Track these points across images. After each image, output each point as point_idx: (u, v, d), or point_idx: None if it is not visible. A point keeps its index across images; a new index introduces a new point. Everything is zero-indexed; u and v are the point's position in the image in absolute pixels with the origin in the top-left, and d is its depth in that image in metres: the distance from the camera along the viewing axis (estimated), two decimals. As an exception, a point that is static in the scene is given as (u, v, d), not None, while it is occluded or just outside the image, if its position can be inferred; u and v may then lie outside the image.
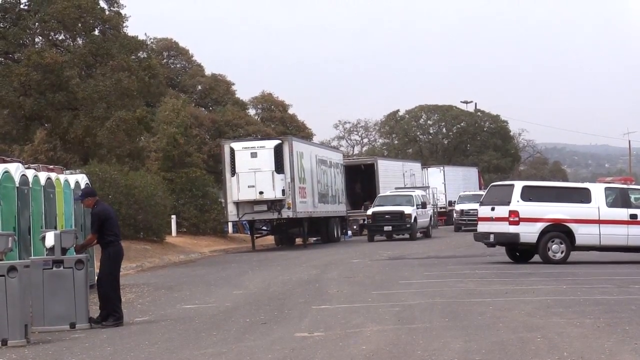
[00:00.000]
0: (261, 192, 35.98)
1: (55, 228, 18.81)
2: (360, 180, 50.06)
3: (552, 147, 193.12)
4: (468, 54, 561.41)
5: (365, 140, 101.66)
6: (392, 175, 52.45)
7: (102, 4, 37.34)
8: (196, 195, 43.01)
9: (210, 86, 60.80)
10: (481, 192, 50.51)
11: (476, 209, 43.11)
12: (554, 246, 23.97)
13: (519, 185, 24.91)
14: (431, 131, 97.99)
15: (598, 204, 24.16)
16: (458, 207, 50.87)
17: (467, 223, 47.40)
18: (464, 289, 17.59)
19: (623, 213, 24.20)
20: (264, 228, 40.84)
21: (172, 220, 40.42)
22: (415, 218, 41.42)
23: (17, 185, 17.77)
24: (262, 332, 12.89)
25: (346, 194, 46.67)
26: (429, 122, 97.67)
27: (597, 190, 24.62)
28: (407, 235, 42.00)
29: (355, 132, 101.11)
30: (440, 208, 57.53)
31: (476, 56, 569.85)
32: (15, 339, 12.64)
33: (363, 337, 11.81)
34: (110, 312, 14.62)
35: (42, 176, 19.63)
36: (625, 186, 27.49)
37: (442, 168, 63.49)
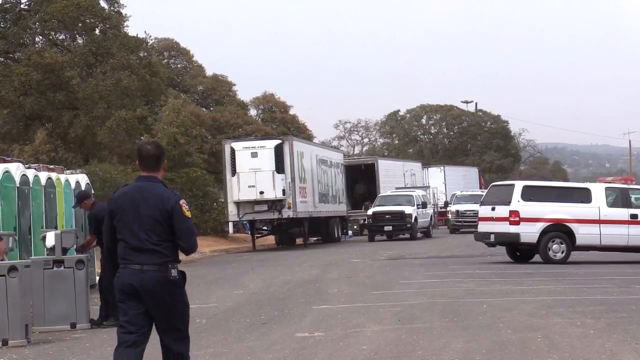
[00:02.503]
0: (262, 192, 35.95)
1: (56, 228, 18.82)
2: (361, 180, 50.01)
3: (553, 147, 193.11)
4: (469, 53, 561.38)
5: (366, 140, 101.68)
6: (392, 175, 52.32)
7: (103, 4, 37.35)
8: (196, 195, 42.98)
9: (211, 86, 60.81)
10: (479, 192, 49.96)
11: (473, 210, 42.88)
12: (554, 246, 23.97)
13: (519, 185, 24.89)
14: (432, 131, 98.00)
15: (598, 204, 24.16)
16: (454, 207, 47.92)
17: (463, 225, 45.66)
18: (464, 288, 17.59)
19: (623, 213, 24.21)
20: (265, 228, 40.82)
21: (173, 220, 40.34)
22: (416, 218, 41.38)
23: (18, 185, 17.79)
24: (263, 332, 12.89)
25: (346, 194, 46.63)
26: (429, 122, 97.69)
27: (598, 190, 24.62)
28: (407, 235, 41.97)
29: (356, 132, 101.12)
30: (441, 208, 57.11)
31: (477, 56, 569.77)
32: (15, 339, 12.64)
33: (363, 337, 11.81)
34: (111, 312, 14.62)
35: (43, 176, 19.65)
36: (625, 186, 27.49)
37: (442, 168, 63.28)
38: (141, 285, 7.25)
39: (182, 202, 7.30)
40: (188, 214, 7.29)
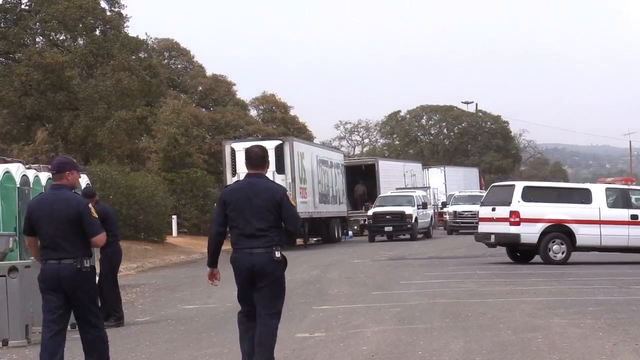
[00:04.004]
0: (262, 193, 35.94)
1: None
2: (361, 181, 49.98)
3: (553, 147, 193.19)
4: (469, 54, 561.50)
5: (366, 141, 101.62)
6: (392, 175, 52.28)
7: (103, 4, 37.34)
8: (197, 196, 43.02)
9: (211, 87, 60.79)
10: (477, 193, 49.77)
11: (471, 211, 42.71)
12: (554, 247, 23.97)
13: (519, 185, 24.91)
14: (432, 132, 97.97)
15: (599, 205, 24.16)
16: (451, 208, 47.21)
17: (461, 226, 45.28)
18: (464, 289, 17.59)
19: (624, 214, 24.21)
20: (265, 228, 40.72)
21: (173, 221, 40.43)
22: (416, 218, 41.36)
23: (18, 185, 17.79)
24: (263, 332, 12.86)
25: (347, 195, 46.60)
26: (430, 122, 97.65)
27: (598, 190, 24.62)
28: (407, 236, 41.96)
29: (356, 133, 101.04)
30: (441, 209, 56.89)
31: (477, 56, 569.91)
32: (16, 339, 12.64)
33: (364, 338, 11.81)
34: (111, 312, 14.61)
35: (43, 176, 19.64)
36: (626, 187, 27.48)
37: (442, 168, 63.19)
38: (253, 265, 8.43)
39: (288, 193, 8.76)
40: (293, 203, 8.73)
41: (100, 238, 8.75)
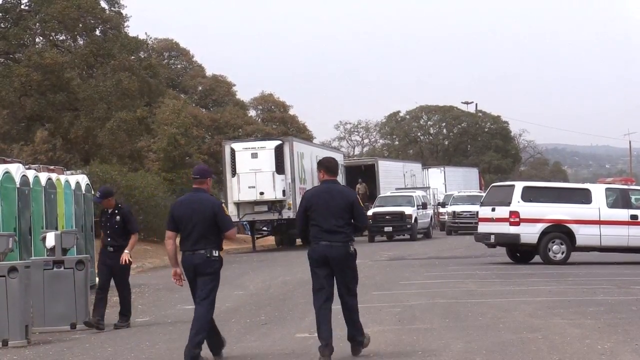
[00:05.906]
0: (262, 193, 35.95)
1: (56, 229, 18.81)
2: (361, 181, 49.94)
3: (553, 147, 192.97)
4: (469, 54, 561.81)
5: (366, 141, 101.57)
6: (392, 175, 52.22)
7: (103, 4, 37.33)
8: (197, 196, 42.90)
9: (210, 87, 60.79)
10: (475, 193, 49.61)
11: (470, 211, 42.60)
12: (554, 247, 23.96)
13: (519, 185, 24.89)
14: (432, 132, 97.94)
15: (598, 205, 24.16)
16: (450, 208, 46.53)
17: (460, 226, 44.87)
18: (464, 289, 17.59)
19: (623, 214, 24.20)
20: (265, 229, 40.78)
21: (173, 221, 40.29)
22: (416, 219, 41.30)
23: (18, 185, 17.77)
24: (263, 332, 12.89)
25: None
26: (429, 122, 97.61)
27: (598, 191, 24.61)
28: (407, 236, 41.90)
29: (356, 133, 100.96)
30: (438, 209, 56.47)
31: (477, 56, 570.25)
32: (15, 340, 12.65)
33: (364, 338, 11.78)
34: (124, 312, 14.50)
35: (43, 177, 19.64)
36: (625, 187, 27.48)
37: (442, 169, 63.08)
38: (331, 255, 10.28)
39: (357, 196, 10.60)
40: (362, 203, 10.51)
41: (233, 232, 10.59)
